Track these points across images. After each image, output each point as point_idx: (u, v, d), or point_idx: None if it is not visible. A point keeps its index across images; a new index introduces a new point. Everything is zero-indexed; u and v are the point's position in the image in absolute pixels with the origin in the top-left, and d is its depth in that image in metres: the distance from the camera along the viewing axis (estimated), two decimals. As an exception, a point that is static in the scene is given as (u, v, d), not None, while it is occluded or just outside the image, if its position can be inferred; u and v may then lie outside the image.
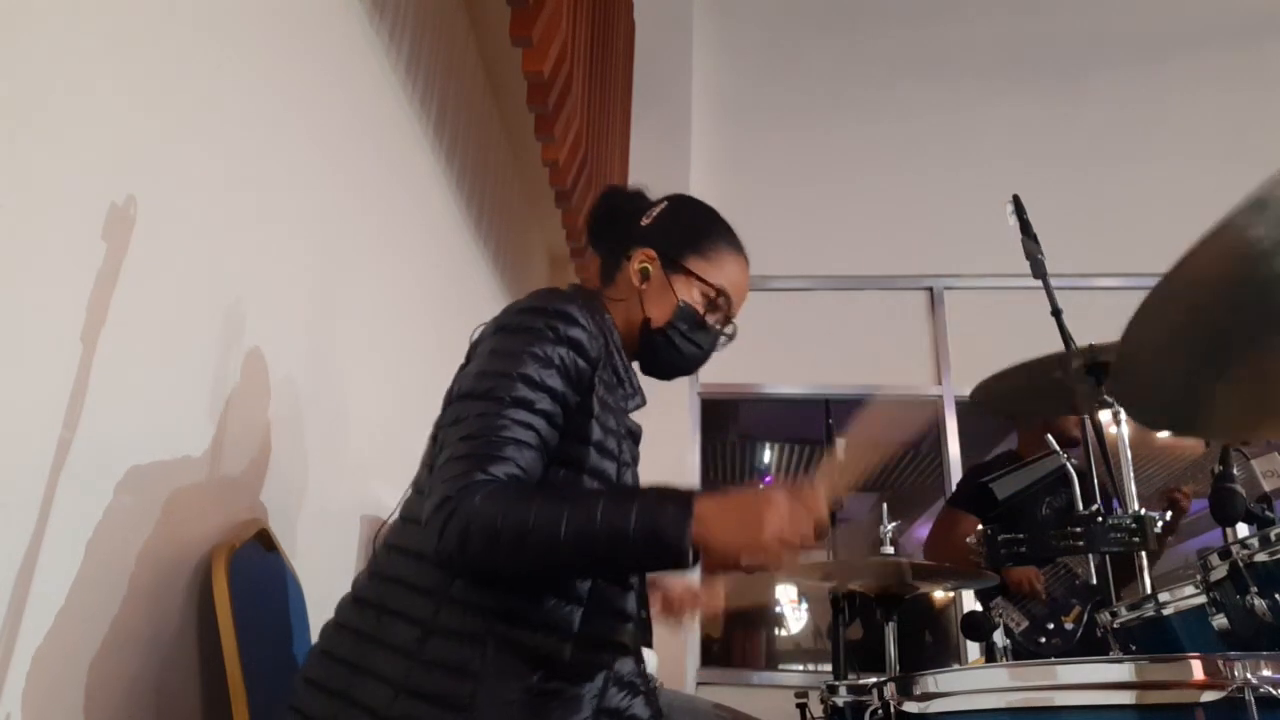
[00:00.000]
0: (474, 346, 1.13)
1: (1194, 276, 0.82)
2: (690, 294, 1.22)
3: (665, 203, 1.29)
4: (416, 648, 0.95)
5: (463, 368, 1.13)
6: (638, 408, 1.21)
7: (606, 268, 1.27)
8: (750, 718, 1.35)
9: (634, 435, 1.19)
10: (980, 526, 2.74)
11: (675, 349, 1.22)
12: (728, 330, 1.27)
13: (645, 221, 1.26)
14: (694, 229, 1.26)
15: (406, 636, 0.96)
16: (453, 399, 1.07)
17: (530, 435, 0.99)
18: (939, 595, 3.86)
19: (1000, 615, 2.38)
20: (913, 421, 1.17)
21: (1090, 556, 1.68)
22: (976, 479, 2.86)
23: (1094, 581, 1.64)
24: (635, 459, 1.20)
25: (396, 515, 1.11)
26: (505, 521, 0.91)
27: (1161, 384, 0.99)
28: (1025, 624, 2.33)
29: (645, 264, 1.22)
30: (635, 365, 1.25)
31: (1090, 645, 2.26)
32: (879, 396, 1.22)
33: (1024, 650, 2.33)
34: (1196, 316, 0.89)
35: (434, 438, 1.12)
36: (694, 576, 1.32)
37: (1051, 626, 2.30)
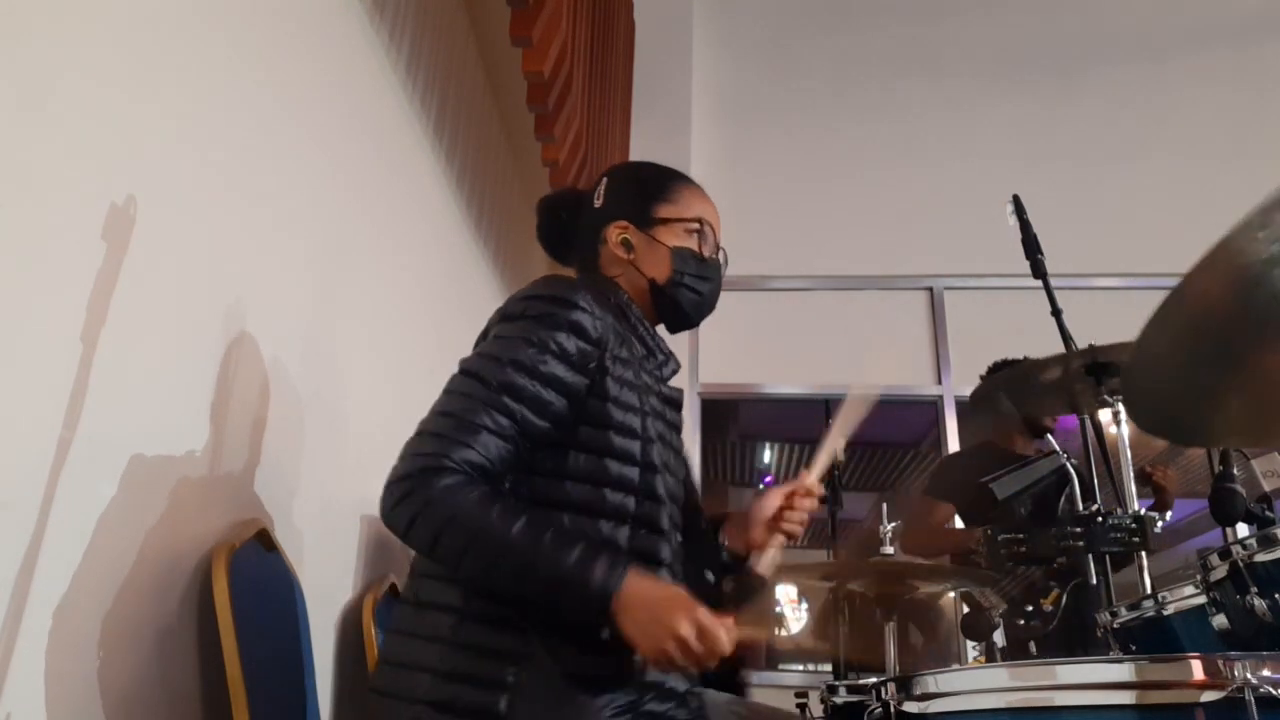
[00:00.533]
0: (482, 336, 1.15)
1: (1206, 282, 0.82)
2: (676, 238, 1.23)
3: (605, 179, 1.29)
4: (453, 634, 0.98)
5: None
6: (674, 373, 1.22)
7: (587, 263, 1.27)
8: (774, 709, 1.35)
9: (673, 403, 1.20)
10: (960, 515, 2.74)
11: (692, 291, 1.23)
12: (721, 258, 1.28)
13: (598, 203, 1.27)
14: (646, 182, 1.28)
15: (443, 624, 0.99)
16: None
17: (506, 424, 1.00)
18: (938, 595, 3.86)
19: (980, 597, 2.38)
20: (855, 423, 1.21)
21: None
22: (952, 468, 2.88)
23: (1092, 581, 1.64)
24: (677, 426, 1.20)
25: None
26: (451, 527, 0.94)
27: (1168, 392, 0.99)
28: (1003, 607, 2.33)
29: (622, 235, 1.23)
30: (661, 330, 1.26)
31: (1069, 628, 2.27)
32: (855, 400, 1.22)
33: (1003, 634, 2.33)
34: (1206, 323, 0.89)
35: None
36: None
37: (1030, 609, 2.30)
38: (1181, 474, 5.53)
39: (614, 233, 1.23)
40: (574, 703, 0.94)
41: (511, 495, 1.02)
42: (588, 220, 1.28)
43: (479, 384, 1.01)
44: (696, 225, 1.24)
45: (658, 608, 0.93)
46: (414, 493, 0.95)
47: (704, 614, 0.93)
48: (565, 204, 1.32)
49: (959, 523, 2.74)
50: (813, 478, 1.22)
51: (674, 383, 1.24)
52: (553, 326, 1.04)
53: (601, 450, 1.05)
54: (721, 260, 1.28)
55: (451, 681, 0.95)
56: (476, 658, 0.96)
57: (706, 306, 1.26)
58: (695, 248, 1.23)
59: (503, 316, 1.10)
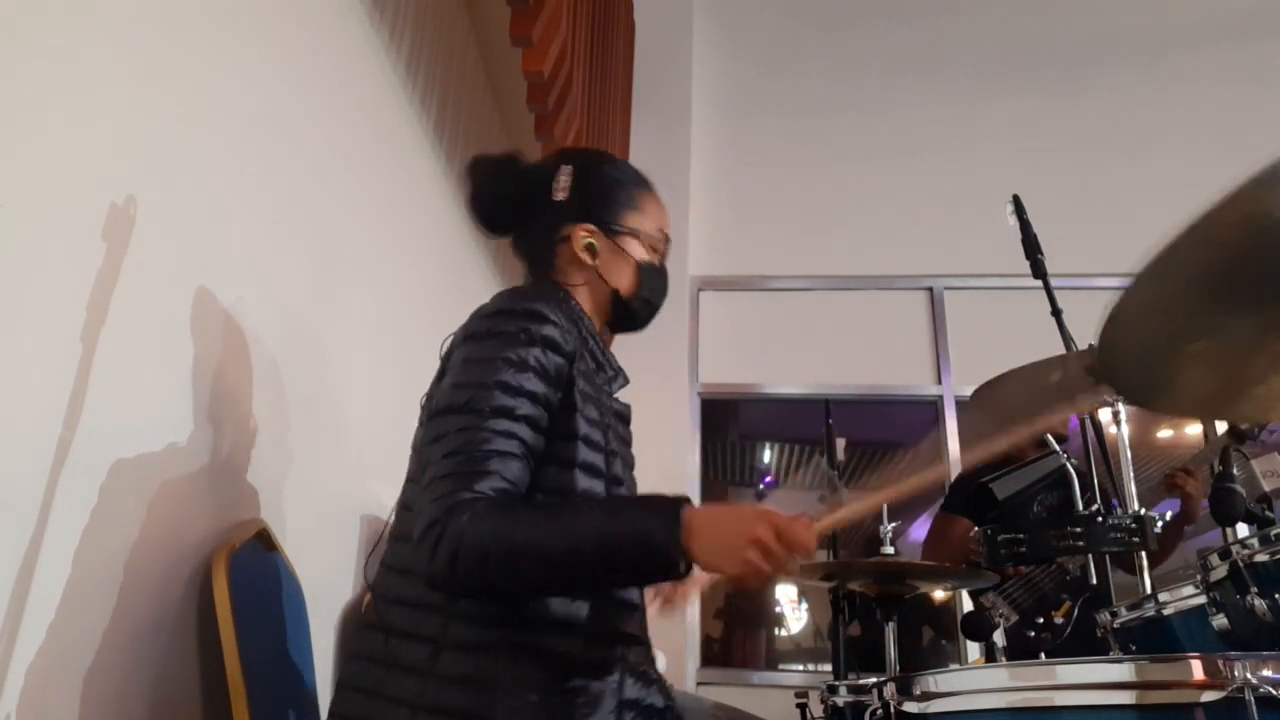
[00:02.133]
0: (446, 358, 1.11)
1: (1193, 249, 0.82)
2: (641, 251, 1.22)
3: (568, 168, 1.22)
4: (429, 665, 0.95)
5: (437, 381, 1.11)
6: (621, 388, 1.20)
7: (538, 256, 1.23)
8: (752, 716, 1.35)
9: (622, 418, 1.18)
10: (977, 528, 2.74)
11: (650, 305, 1.24)
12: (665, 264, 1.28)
13: (561, 196, 1.20)
14: (614, 185, 1.23)
15: (418, 655, 0.96)
16: (431, 415, 1.04)
17: (514, 445, 0.97)
18: (939, 595, 3.86)
19: (990, 609, 2.38)
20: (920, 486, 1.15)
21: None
22: (968, 481, 2.87)
23: (1093, 580, 1.64)
24: (628, 440, 1.19)
25: (386, 536, 1.10)
26: (495, 543, 0.90)
27: (1140, 355, 0.99)
28: (1015, 618, 2.33)
29: (588, 239, 1.19)
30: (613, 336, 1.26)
31: (1079, 640, 2.26)
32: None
33: (1013, 644, 2.33)
34: (1188, 291, 0.89)
35: (416, 452, 1.10)
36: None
37: (1041, 621, 2.30)
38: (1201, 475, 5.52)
39: (580, 235, 1.19)
40: None
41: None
42: (544, 211, 1.21)
43: (473, 415, 0.97)
44: (662, 241, 1.24)
45: (728, 524, 0.92)
46: (445, 534, 0.90)
47: (777, 515, 0.91)
48: (509, 174, 1.26)
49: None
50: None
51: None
52: (526, 343, 1.01)
53: (569, 463, 1.03)
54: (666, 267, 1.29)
55: (429, 714, 0.92)
56: (454, 688, 0.93)
57: (655, 314, 1.27)
58: (657, 262, 1.24)
59: (469, 336, 1.06)
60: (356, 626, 1.07)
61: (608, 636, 1.02)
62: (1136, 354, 0.98)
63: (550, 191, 1.21)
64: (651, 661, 1.09)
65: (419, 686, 0.94)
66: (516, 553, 0.90)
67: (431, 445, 1.00)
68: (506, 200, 1.25)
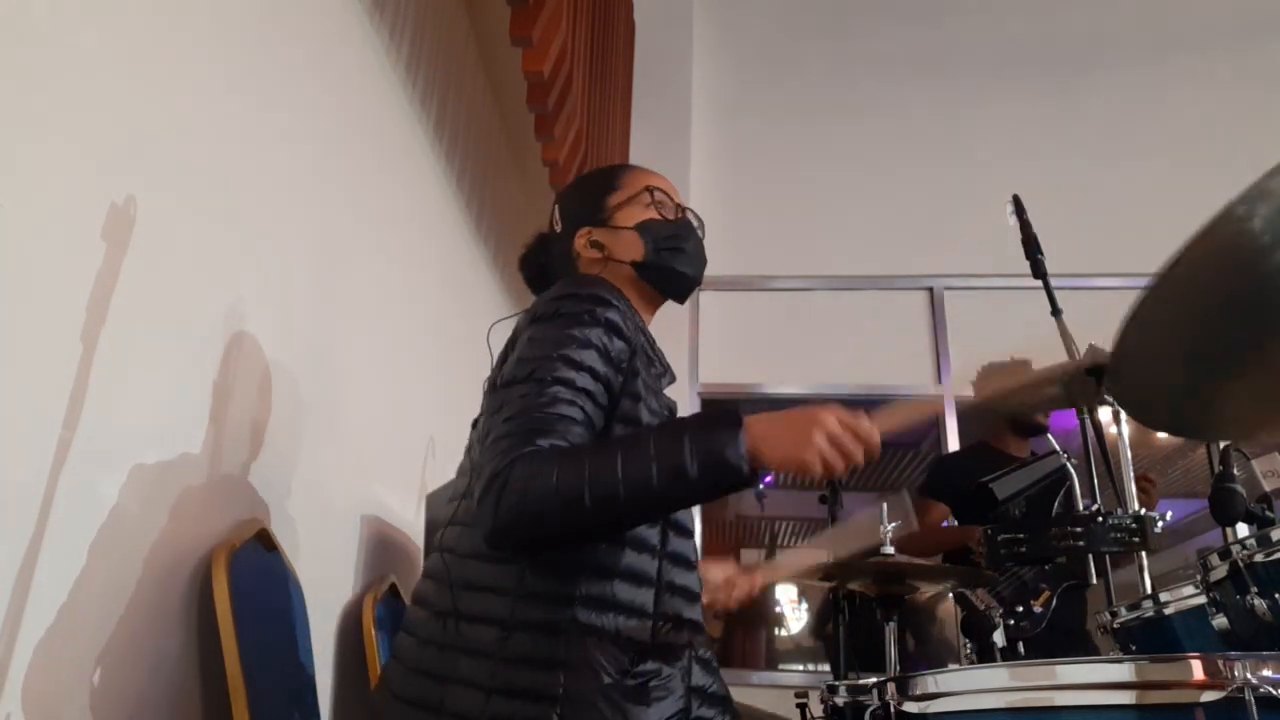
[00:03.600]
0: (510, 341, 1.13)
1: (1191, 272, 0.82)
2: (636, 216, 1.24)
3: (556, 205, 1.33)
4: (499, 647, 0.95)
5: (499, 365, 1.13)
6: (669, 384, 1.22)
7: (568, 277, 1.28)
8: (768, 713, 1.36)
9: (673, 413, 1.20)
10: (955, 514, 2.75)
11: (674, 251, 1.23)
12: (689, 217, 1.29)
13: (557, 228, 1.30)
14: (590, 187, 1.30)
15: (487, 638, 0.96)
16: (496, 390, 1.07)
17: (575, 410, 0.99)
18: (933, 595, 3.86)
19: (971, 596, 2.38)
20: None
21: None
22: (944, 468, 2.91)
23: (1093, 580, 1.64)
24: None
25: (447, 523, 1.11)
26: (561, 482, 0.90)
27: (1163, 385, 0.98)
28: (995, 607, 2.34)
29: (588, 239, 1.24)
30: (659, 327, 1.27)
31: (1058, 629, 2.27)
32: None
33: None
34: (1194, 314, 0.88)
35: (476, 433, 1.13)
36: (729, 567, 1.34)
37: (1020, 609, 2.31)
38: (1182, 474, 5.52)
39: (580, 242, 1.24)
40: (625, 714, 0.92)
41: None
42: (556, 248, 1.30)
43: (535, 384, 0.99)
44: (647, 196, 1.25)
45: (792, 425, 0.95)
46: (508, 485, 0.91)
47: (839, 410, 0.95)
48: (537, 248, 1.35)
49: (953, 522, 2.75)
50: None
51: (672, 387, 1.25)
52: (590, 323, 1.04)
53: None
54: (692, 219, 1.29)
55: (502, 697, 0.93)
56: (526, 670, 0.94)
57: (697, 261, 1.26)
58: (656, 215, 1.24)
59: (534, 318, 1.08)
60: (409, 613, 1.08)
61: (674, 622, 1.03)
62: (1164, 388, 0.97)
63: (555, 234, 1.30)
64: (713, 651, 1.11)
65: (490, 669, 0.94)
66: (585, 487, 0.90)
67: (494, 416, 1.02)
68: (540, 269, 1.34)
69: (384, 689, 1.04)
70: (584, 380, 1.01)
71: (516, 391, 1.00)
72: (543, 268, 1.33)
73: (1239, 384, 0.94)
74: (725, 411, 0.97)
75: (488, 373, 1.16)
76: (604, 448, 0.95)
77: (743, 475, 0.93)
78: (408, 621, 1.08)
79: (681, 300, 1.28)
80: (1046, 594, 2.30)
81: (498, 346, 1.19)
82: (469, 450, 1.16)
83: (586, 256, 1.24)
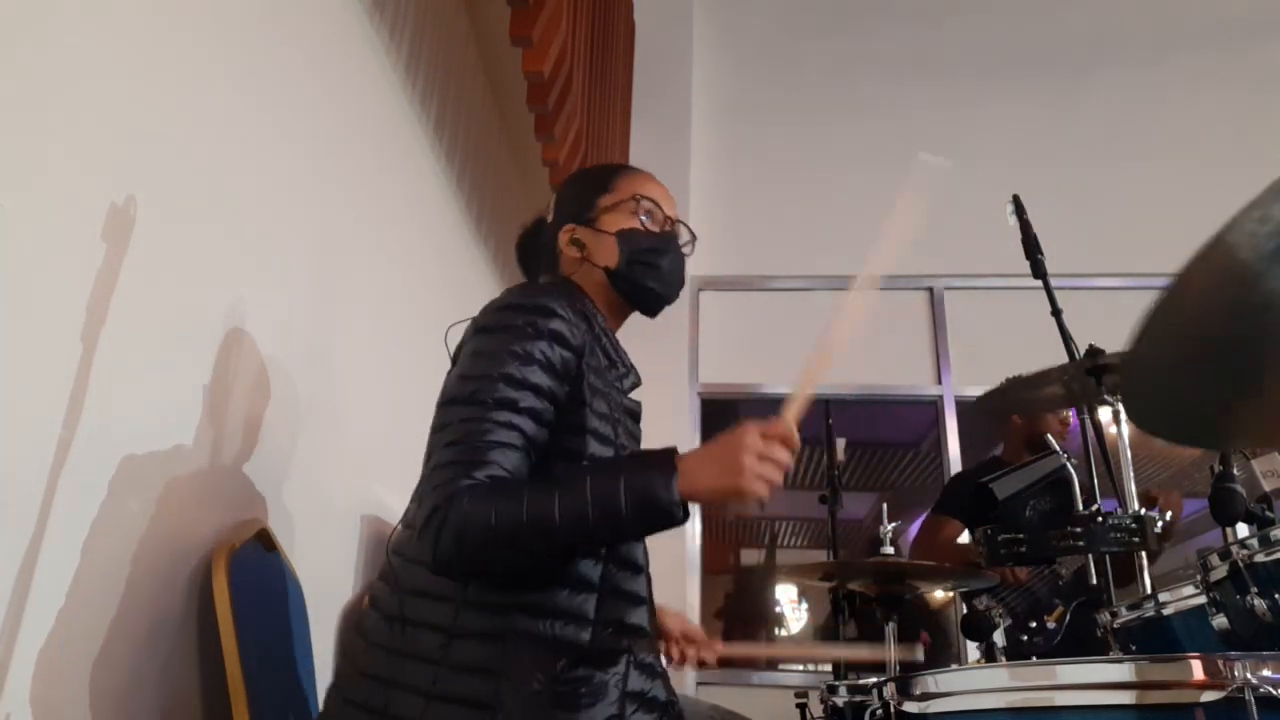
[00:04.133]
0: (458, 350, 1.13)
1: (1201, 283, 0.82)
2: (620, 222, 1.23)
3: (555, 195, 1.34)
4: (441, 654, 0.96)
5: (450, 372, 1.12)
6: (634, 386, 1.21)
7: (548, 269, 1.30)
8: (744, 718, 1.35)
9: (633, 414, 1.19)
10: (968, 529, 2.75)
11: (647, 266, 1.22)
12: (678, 231, 1.27)
13: (550, 217, 1.31)
14: (586, 183, 1.31)
15: (430, 644, 0.97)
16: (438, 404, 1.06)
17: (514, 436, 0.99)
18: (939, 595, 3.86)
19: (987, 611, 2.38)
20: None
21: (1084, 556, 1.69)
22: (961, 485, 2.88)
23: (1093, 580, 1.64)
24: (637, 437, 1.20)
25: (400, 525, 1.11)
26: (498, 520, 0.92)
27: (1177, 397, 0.98)
28: (1008, 621, 2.34)
29: (571, 236, 1.25)
30: (628, 338, 1.26)
31: (1071, 644, 2.27)
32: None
33: (1005, 648, 2.34)
34: (1206, 326, 0.88)
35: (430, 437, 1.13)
36: (685, 623, 1.39)
37: (1034, 625, 2.31)
38: (1181, 475, 5.53)
39: (564, 237, 1.25)
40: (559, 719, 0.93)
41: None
42: (545, 237, 1.31)
43: (476, 406, 1.00)
44: (633, 204, 1.23)
45: (718, 452, 0.97)
46: (448, 520, 0.93)
47: (758, 426, 0.98)
48: (532, 231, 1.36)
49: (966, 539, 2.75)
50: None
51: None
52: (534, 337, 1.03)
53: (579, 456, 1.05)
54: (679, 233, 1.28)
55: (440, 703, 0.94)
56: (465, 677, 0.95)
57: (671, 279, 1.24)
58: (639, 225, 1.23)
59: (479, 329, 1.08)
60: (365, 614, 1.08)
61: (615, 628, 1.03)
62: (1179, 400, 0.97)
63: (548, 221, 1.31)
64: (657, 655, 1.11)
65: (432, 675, 0.95)
66: (521, 527, 0.92)
67: (436, 434, 1.02)
68: (529, 252, 1.35)
69: (335, 690, 1.05)
70: (527, 400, 1.01)
71: (458, 413, 1.01)
72: (532, 251, 1.35)
73: (1251, 397, 0.94)
74: (661, 452, 0.98)
75: None
76: (542, 487, 0.96)
77: (675, 517, 0.95)
78: (360, 622, 1.08)
79: (650, 315, 1.27)
80: (1060, 610, 2.30)
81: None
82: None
83: (566, 254, 1.25)
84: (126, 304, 1.09)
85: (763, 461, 0.95)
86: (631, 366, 1.22)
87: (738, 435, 0.97)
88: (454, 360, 1.13)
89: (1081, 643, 2.28)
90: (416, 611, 1.01)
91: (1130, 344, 0.89)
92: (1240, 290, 0.81)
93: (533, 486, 0.96)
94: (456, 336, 1.15)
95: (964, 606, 2.47)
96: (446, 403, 1.04)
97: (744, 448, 0.95)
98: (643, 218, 1.23)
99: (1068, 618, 2.30)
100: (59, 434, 0.98)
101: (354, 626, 1.09)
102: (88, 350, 1.03)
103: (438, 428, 1.03)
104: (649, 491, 0.94)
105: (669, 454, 0.97)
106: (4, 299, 0.92)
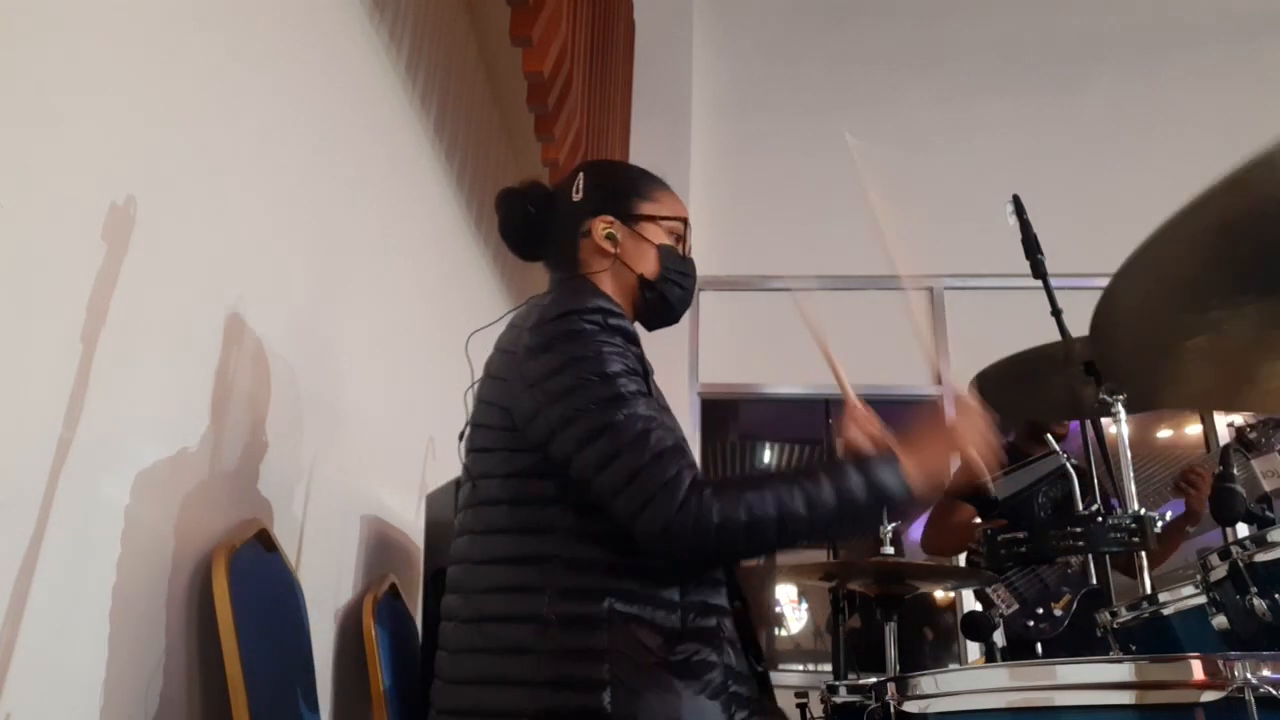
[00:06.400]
0: (506, 367, 1.12)
1: (1186, 234, 0.82)
2: (660, 236, 1.24)
3: (581, 174, 1.28)
4: (537, 642, 0.97)
5: (483, 387, 1.14)
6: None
7: (564, 256, 1.26)
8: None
9: (665, 409, 1.20)
10: (977, 520, 2.75)
11: (679, 288, 1.25)
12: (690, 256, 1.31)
13: (578, 196, 1.25)
14: (627, 181, 1.29)
15: (525, 635, 0.98)
16: (553, 430, 1.03)
17: (654, 421, 1.02)
18: (939, 595, 3.86)
19: (993, 594, 2.39)
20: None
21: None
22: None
23: (1093, 580, 1.64)
24: None
25: (456, 535, 1.13)
26: (751, 518, 0.97)
27: (1139, 353, 0.99)
28: (1015, 606, 2.34)
29: (608, 229, 1.22)
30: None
31: (1077, 633, 2.27)
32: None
33: (1011, 633, 2.34)
34: (1180, 278, 0.89)
35: (467, 446, 1.14)
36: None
37: (1041, 611, 2.31)
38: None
39: (599, 226, 1.22)
40: (674, 690, 0.95)
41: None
42: (565, 214, 1.26)
43: (606, 410, 1.00)
44: (680, 225, 1.26)
45: (928, 449, 1.05)
46: (700, 512, 0.96)
47: (943, 419, 1.07)
48: (533, 198, 1.29)
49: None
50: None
51: (672, 387, 1.26)
52: (608, 334, 1.06)
53: None
54: (691, 259, 1.32)
55: (550, 689, 0.94)
56: (571, 661, 0.95)
57: (684, 307, 1.29)
58: (678, 246, 1.26)
59: (546, 347, 1.06)
60: (439, 632, 1.10)
61: (702, 610, 1.05)
62: (1134, 350, 0.99)
63: (570, 198, 1.26)
64: (749, 632, 1.14)
65: (534, 663, 0.96)
66: (773, 521, 0.97)
67: (582, 452, 1.01)
68: (535, 220, 1.29)
69: (431, 710, 1.06)
70: (631, 384, 1.04)
71: (596, 423, 1.00)
72: (529, 221, 1.28)
73: (1215, 353, 0.95)
74: (885, 456, 1.04)
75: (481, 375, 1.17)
76: (776, 483, 1.00)
77: (909, 507, 1.04)
78: (442, 638, 1.09)
79: (650, 328, 1.30)
80: (1068, 598, 2.30)
81: (477, 355, 1.19)
82: (466, 464, 1.15)
83: (598, 243, 1.22)
84: (127, 304, 1.09)
85: (970, 439, 1.06)
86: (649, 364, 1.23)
87: (938, 430, 1.07)
88: (497, 373, 1.13)
89: (1082, 631, 2.29)
90: (499, 608, 1.01)
91: (1108, 288, 0.90)
92: (1225, 244, 0.81)
93: (767, 484, 1.00)
94: (480, 343, 1.17)
95: (969, 599, 2.47)
96: (567, 422, 1.02)
97: (951, 439, 1.06)
98: (674, 237, 1.26)
99: (1074, 606, 2.30)
100: (59, 434, 0.98)
101: (438, 646, 1.10)
102: (88, 350, 1.03)
103: (576, 449, 1.01)
104: (883, 489, 1.00)
105: (890, 454, 1.04)
106: (4, 299, 0.92)
